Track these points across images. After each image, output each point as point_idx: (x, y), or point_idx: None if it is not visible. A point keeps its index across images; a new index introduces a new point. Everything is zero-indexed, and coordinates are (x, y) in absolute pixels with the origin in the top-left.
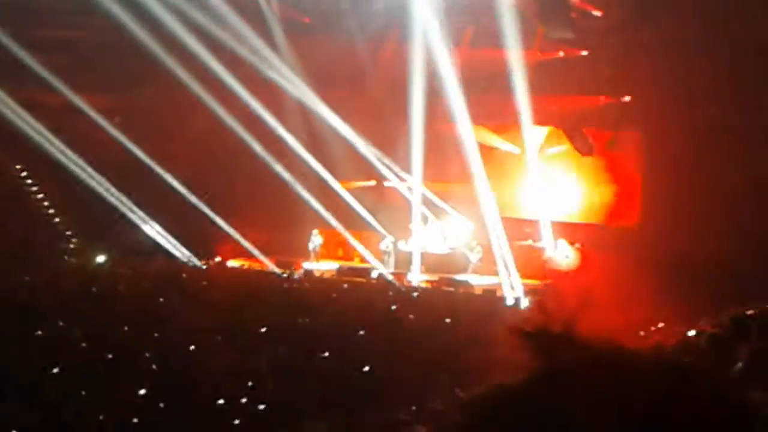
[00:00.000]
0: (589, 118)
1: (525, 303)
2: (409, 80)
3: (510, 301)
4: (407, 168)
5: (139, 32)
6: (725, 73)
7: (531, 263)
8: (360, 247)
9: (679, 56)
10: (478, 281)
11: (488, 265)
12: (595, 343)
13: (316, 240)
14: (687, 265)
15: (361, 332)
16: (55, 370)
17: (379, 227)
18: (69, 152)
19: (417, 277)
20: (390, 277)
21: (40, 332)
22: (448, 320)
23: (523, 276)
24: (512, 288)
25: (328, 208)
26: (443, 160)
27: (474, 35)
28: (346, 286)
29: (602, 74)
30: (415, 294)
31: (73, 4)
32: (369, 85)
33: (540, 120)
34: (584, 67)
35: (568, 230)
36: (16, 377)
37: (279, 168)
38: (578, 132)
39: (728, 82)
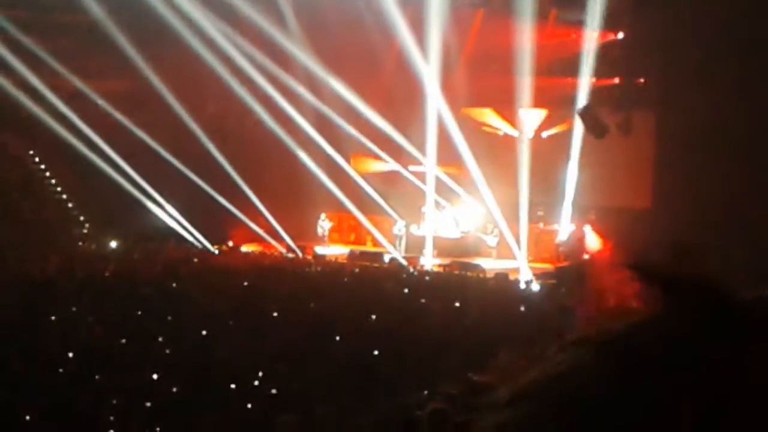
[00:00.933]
0: (602, 100)
1: (537, 287)
2: (418, 63)
3: (522, 285)
4: (421, 152)
5: (150, 15)
6: (740, 58)
7: (544, 246)
8: (373, 231)
9: (693, 38)
10: (490, 265)
11: (501, 249)
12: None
13: (324, 224)
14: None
15: (373, 316)
16: (69, 355)
17: (391, 211)
18: (82, 138)
19: (429, 261)
20: (402, 262)
21: (53, 317)
22: (457, 304)
23: (537, 260)
24: (525, 271)
25: (341, 191)
26: (453, 145)
27: (485, 17)
28: (357, 270)
29: (615, 56)
30: (427, 278)
31: None
32: (382, 68)
33: (552, 102)
34: (598, 48)
35: (580, 213)
36: (30, 362)
37: (291, 152)
38: (591, 114)
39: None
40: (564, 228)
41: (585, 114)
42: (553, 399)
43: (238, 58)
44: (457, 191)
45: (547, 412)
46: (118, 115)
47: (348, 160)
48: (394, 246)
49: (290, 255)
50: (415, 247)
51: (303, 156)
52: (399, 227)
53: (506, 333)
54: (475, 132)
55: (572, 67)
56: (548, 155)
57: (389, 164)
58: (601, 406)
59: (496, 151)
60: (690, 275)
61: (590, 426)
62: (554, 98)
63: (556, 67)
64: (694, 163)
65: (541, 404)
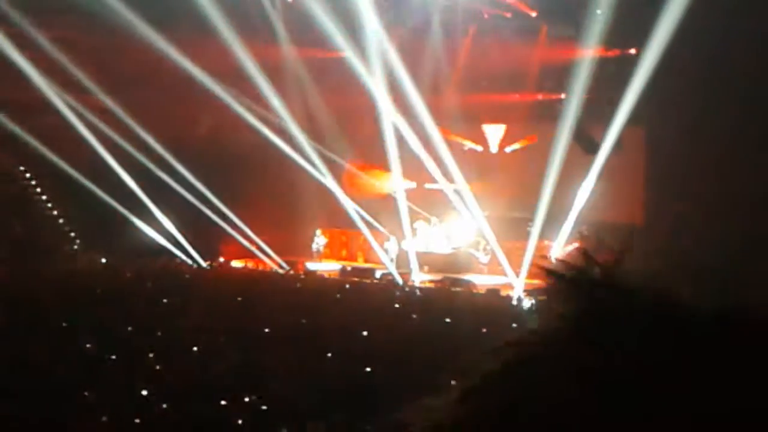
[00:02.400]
0: (591, 117)
1: (528, 303)
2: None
3: (514, 301)
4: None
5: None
6: (731, 73)
7: (535, 261)
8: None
9: (684, 55)
10: (482, 281)
11: (493, 265)
12: (639, 289)
13: (319, 240)
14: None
15: (364, 333)
16: (58, 371)
17: (382, 227)
18: (72, 154)
19: (420, 277)
20: (395, 277)
21: (43, 333)
22: (448, 320)
23: (528, 275)
24: (516, 287)
25: (332, 208)
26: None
27: (477, 34)
28: (348, 286)
29: (605, 73)
30: (418, 293)
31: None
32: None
33: (542, 118)
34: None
35: (572, 228)
36: (19, 378)
37: (284, 167)
38: (582, 130)
39: (735, 82)
40: (556, 243)
41: (578, 131)
42: (498, 393)
43: (232, 73)
44: (449, 207)
45: (496, 406)
46: (109, 130)
47: (340, 176)
48: (385, 262)
49: (281, 271)
50: (406, 262)
51: (296, 171)
52: (390, 243)
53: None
54: (457, 150)
55: (562, 83)
56: (533, 170)
57: (385, 180)
58: (538, 398)
59: (480, 168)
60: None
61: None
62: (542, 114)
63: (541, 83)
64: (685, 176)
65: (490, 398)
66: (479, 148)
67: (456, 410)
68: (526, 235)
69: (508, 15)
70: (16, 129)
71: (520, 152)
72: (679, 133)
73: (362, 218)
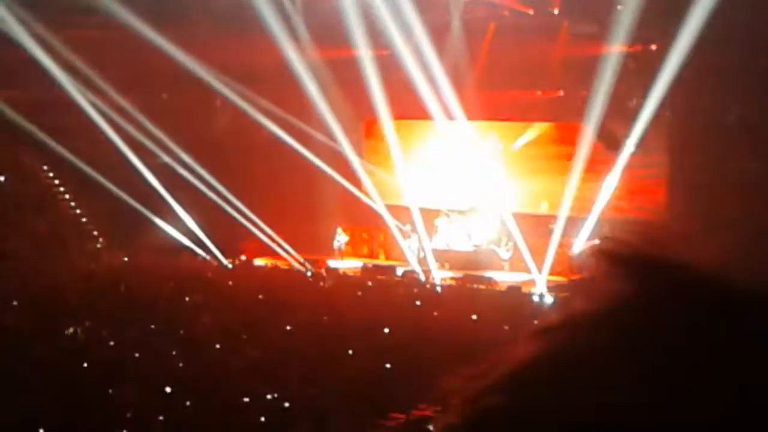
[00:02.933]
0: (612, 113)
1: (550, 300)
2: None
3: (536, 298)
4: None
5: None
6: (751, 68)
7: (557, 259)
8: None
9: (705, 50)
10: (503, 278)
11: (515, 262)
12: (699, 271)
13: (341, 238)
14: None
15: (386, 330)
16: (83, 369)
17: (403, 224)
18: (94, 152)
19: (441, 274)
20: (417, 275)
21: (67, 331)
22: (474, 317)
23: (550, 272)
24: (538, 284)
25: (353, 205)
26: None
27: (498, 30)
28: (370, 283)
29: (628, 68)
30: (439, 290)
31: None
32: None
33: (565, 115)
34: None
35: (594, 226)
36: (44, 376)
37: (305, 164)
38: (604, 127)
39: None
40: (577, 241)
41: (600, 128)
42: (534, 386)
43: (244, 69)
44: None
45: (532, 399)
46: (131, 128)
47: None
48: (407, 259)
49: (303, 269)
50: (427, 260)
51: (317, 168)
52: (411, 240)
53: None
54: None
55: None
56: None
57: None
58: (580, 388)
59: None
60: (651, 256)
61: (572, 409)
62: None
63: (563, 80)
64: (709, 170)
65: (525, 391)
66: (499, 144)
67: (501, 386)
68: (548, 232)
69: (530, 11)
70: (40, 128)
71: (539, 148)
72: (704, 129)
73: (384, 215)
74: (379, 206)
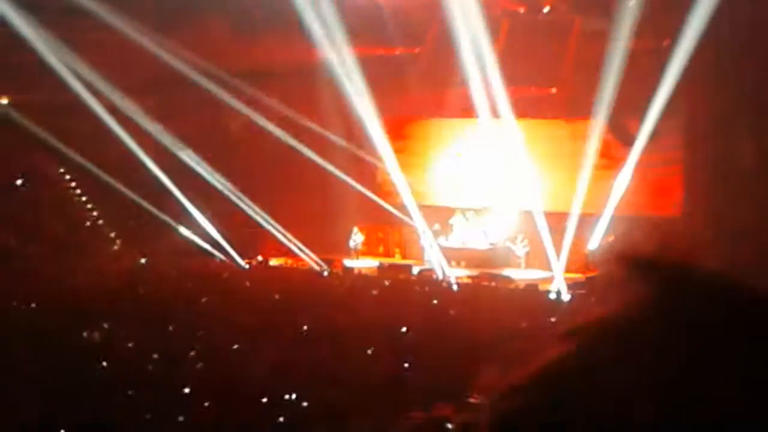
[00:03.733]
0: (628, 108)
1: (567, 297)
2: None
3: (552, 296)
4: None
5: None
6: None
7: (573, 257)
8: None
9: (721, 43)
10: (520, 275)
11: (530, 259)
12: (717, 273)
13: (357, 238)
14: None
15: (403, 329)
16: (102, 370)
17: (419, 223)
18: (111, 155)
19: (457, 273)
20: (435, 273)
21: (86, 333)
22: (486, 315)
23: (566, 270)
24: (556, 282)
25: (368, 204)
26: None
27: (512, 27)
28: (387, 283)
29: (641, 63)
30: (456, 288)
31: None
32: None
33: (582, 111)
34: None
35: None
36: (64, 377)
37: (319, 165)
38: (618, 122)
39: None
40: (594, 237)
41: (613, 122)
42: (562, 387)
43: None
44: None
45: (558, 399)
46: (148, 131)
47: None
48: (423, 258)
49: (319, 268)
50: (443, 259)
51: (332, 168)
52: (427, 239)
53: (537, 344)
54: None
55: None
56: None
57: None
58: (607, 390)
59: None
60: (667, 259)
61: (598, 411)
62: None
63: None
64: (726, 165)
65: (552, 392)
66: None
67: (530, 387)
68: (563, 230)
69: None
70: (57, 132)
71: (554, 145)
72: (717, 123)
73: (398, 215)
74: (411, 206)
